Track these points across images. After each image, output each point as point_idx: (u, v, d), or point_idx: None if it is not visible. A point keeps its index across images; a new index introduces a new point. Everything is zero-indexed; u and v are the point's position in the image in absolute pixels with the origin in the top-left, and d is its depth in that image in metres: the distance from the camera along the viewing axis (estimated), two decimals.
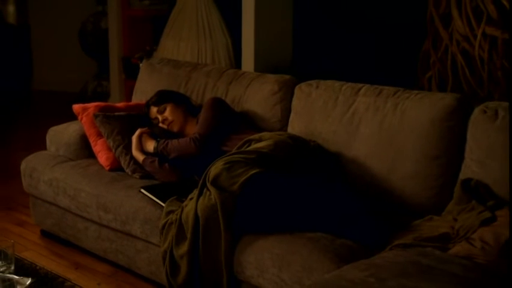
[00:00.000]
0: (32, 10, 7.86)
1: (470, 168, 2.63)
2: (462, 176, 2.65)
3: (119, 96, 6.17)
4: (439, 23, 4.25)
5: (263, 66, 4.85)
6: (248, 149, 2.80)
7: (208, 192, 2.60)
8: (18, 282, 2.36)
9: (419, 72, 4.48)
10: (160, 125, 3.30)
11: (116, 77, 6.20)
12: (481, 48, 4.04)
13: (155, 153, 3.17)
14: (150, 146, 3.20)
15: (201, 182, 2.67)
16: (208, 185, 2.61)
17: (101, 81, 6.77)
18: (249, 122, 3.28)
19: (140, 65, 5.03)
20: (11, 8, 8.30)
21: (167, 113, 3.29)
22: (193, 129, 3.22)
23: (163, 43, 5.53)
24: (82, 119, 3.47)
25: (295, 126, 3.16)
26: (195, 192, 2.69)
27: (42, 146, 3.78)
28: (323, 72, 4.92)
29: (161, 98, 3.35)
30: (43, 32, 7.74)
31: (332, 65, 5.00)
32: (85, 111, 3.46)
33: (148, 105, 3.39)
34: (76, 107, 3.51)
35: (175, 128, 3.27)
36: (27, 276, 2.45)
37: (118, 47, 6.12)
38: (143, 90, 3.80)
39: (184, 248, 2.61)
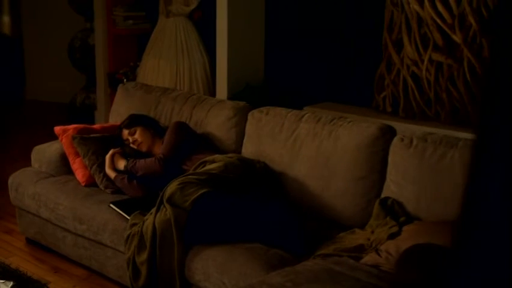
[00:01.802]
0: (25, 23, 7.98)
1: (390, 188, 3.02)
2: (383, 194, 3.04)
3: (105, 108, 6.38)
4: (392, 48, 4.63)
5: (236, 84, 5.10)
6: (201, 170, 3.18)
7: (164, 209, 2.98)
8: (2, 285, 2.77)
9: (375, 92, 4.87)
10: (131, 145, 3.65)
11: (102, 91, 6.44)
12: (428, 72, 4.43)
13: (126, 171, 3.53)
14: (121, 164, 3.56)
15: (158, 199, 3.05)
16: (165, 202, 2.99)
17: (89, 93, 6.94)
18: (208, 143, 3.63)
19: (123, 82, 5.40)
20: (6, 19, 8.34)
21: (137, 135, 3.64)
22: (160, 149, 3.56)
23: (144, 61, 5.77)
24: (62, 139, 3.79)
25: (248, 148, 3.53)
26: (155, 208, 3.09)
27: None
28: (293, 89, 5.30)
29: (132, 121, 3.71)
30: (35, 44, 7.88)
31: (301, 82, 5.27)
32: (64, 132, 3.78)
33: (120, 128, 3.73)
34: (57, 129, 3.83)
35: (144, 149, 3.63)
36: (11, 279, 2.86)
37: (103, 63, 6.35)
38: (118, 112, 4.13)
39: (144, 256, 2.98)
